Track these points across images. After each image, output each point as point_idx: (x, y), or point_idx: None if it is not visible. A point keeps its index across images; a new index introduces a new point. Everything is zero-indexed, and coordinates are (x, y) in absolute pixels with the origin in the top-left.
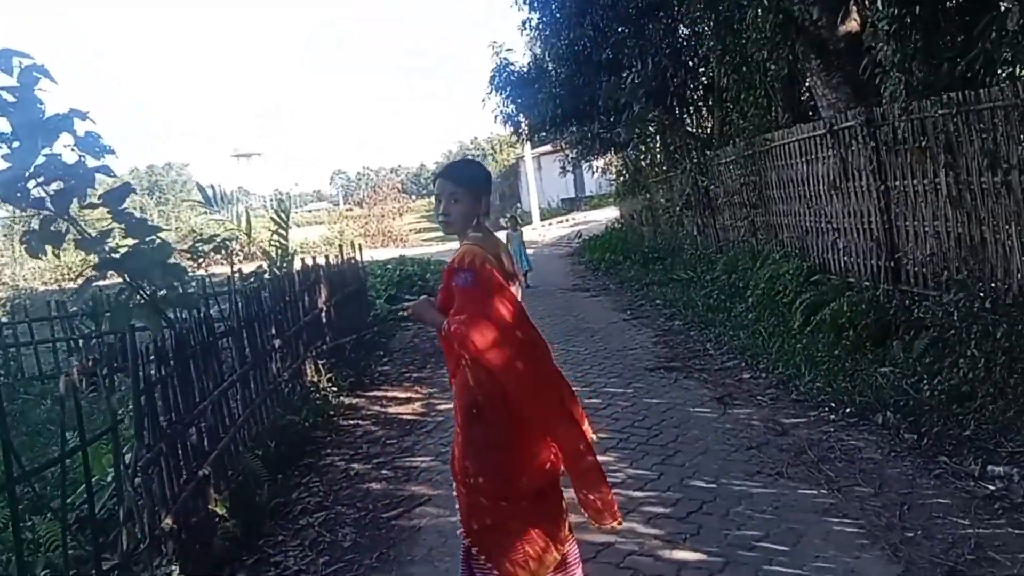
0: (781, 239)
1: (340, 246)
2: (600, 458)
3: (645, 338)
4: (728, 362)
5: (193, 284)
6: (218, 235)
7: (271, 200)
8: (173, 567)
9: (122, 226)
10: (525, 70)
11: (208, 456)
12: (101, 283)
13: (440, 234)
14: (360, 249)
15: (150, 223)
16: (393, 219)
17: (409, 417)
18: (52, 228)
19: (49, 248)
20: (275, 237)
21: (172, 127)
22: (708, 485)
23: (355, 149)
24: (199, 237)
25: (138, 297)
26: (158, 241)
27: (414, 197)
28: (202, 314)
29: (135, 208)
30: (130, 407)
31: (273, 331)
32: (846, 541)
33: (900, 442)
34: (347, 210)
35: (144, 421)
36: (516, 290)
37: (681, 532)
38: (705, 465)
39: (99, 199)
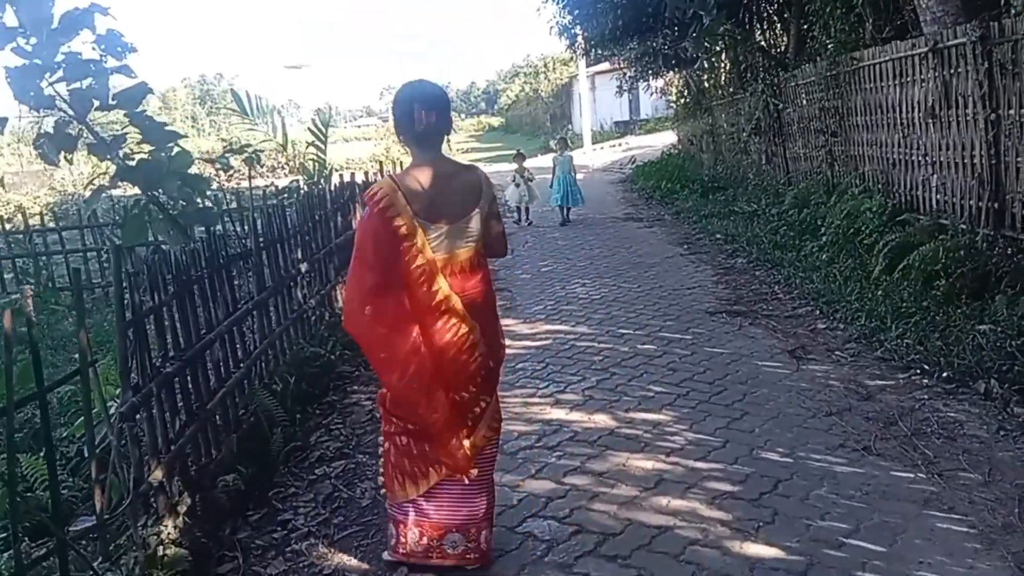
0: (862, 172)
1: (381, 163)
2: (655, 416)
3: (704, 276)
4: (799, 309)
5: (216, 197)
6: (249, 145)
7: (318, 111)
8: (163, 525)
9: (138, 131)
10: None
11: (214, 395)
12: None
13: (488, 155)
14: (403, 167)
15: (170, 128)
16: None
17: None
18: (67, 132)
19: (63, 154)
20: (312, 151)
21: (224, 37)
22: (783, 459)
23: (405, 63)
24: (229, 147)
25: (154, 209)
26: (177, 149)
27: (463, 116)
28: (216, 232)
29: (187, 116)
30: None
31: (299, 253)
32: (955, 544)
33: (1009, 417)
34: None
35: (129, 359)
36: (432, 236)
37: (753, 518)
38: (778, 433)
39: (113, 99)
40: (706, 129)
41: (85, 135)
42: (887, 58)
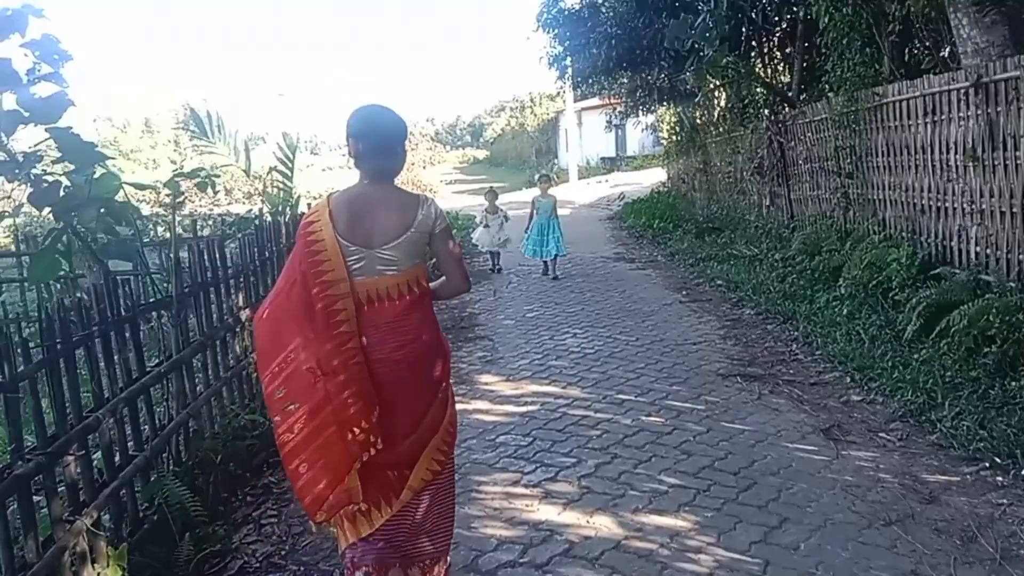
0: (882, 218)
1: None
2: (672, 521)
3: (710, 329)
4: (826, 374)
5: (143, 227)
6: (201, 169)
7: (305, 141)
8: None
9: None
10: (576, 7)
11: (99, 491)
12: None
13: (473, 187)
14: None
15: (98, 148)
16: (424, 168)
17: None
18: None
19: None
20: (277, 178)
21: (228, 66)
22: None
23: (394, 98)
24: (179, 171)
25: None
26: (100, 172)
27: (448, 148)
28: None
29: (170, 140)
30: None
31: (240, 298)
32: None
33: None
34: None
35: None
36: (352, 258)
37: None
38: (830, 552)
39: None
40: (699, 167)
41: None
42: (917, 93)
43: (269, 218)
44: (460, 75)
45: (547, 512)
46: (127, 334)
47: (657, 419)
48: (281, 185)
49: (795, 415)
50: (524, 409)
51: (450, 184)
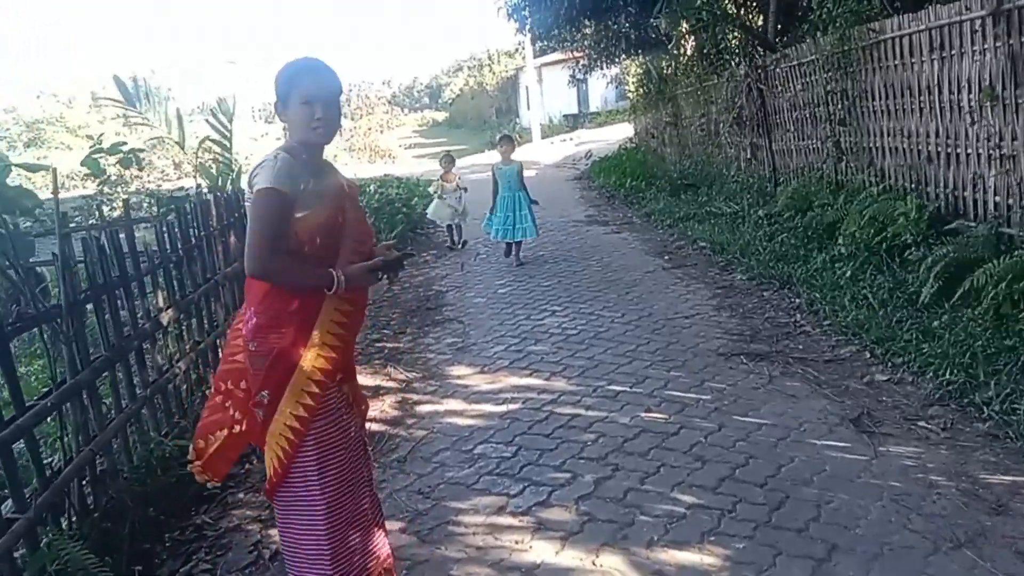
0: (880, 168)
1: None
2: (697, 557)
3: (700, 299)
4: (841, 348)
5: (41, 216)
6: (124, 143)
7: (258, 110)
8: None
9: None
10: None
11: None
12: None
13: (433, 151)
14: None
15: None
16: (381, 132)
17: (374, 427)
18: None
19: None
20: (214, 149)
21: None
22: None
23: (344, 57)
24: (97, 146)
25: None
26: None
27: (406, 111)
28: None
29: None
30: None
31: (160, 298)
32: None
33: None
34: None
35: None
36: None
37: None
38: None
39: None
40: (669, 120)
41: None
42: (922, 27)
43: (207, 195)
44: (416, 36)
45: (542, 551)
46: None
47: (659, 415)
48: (219, 157)
49: (815, 401)
50: (504, 409)
51: (410, 148)
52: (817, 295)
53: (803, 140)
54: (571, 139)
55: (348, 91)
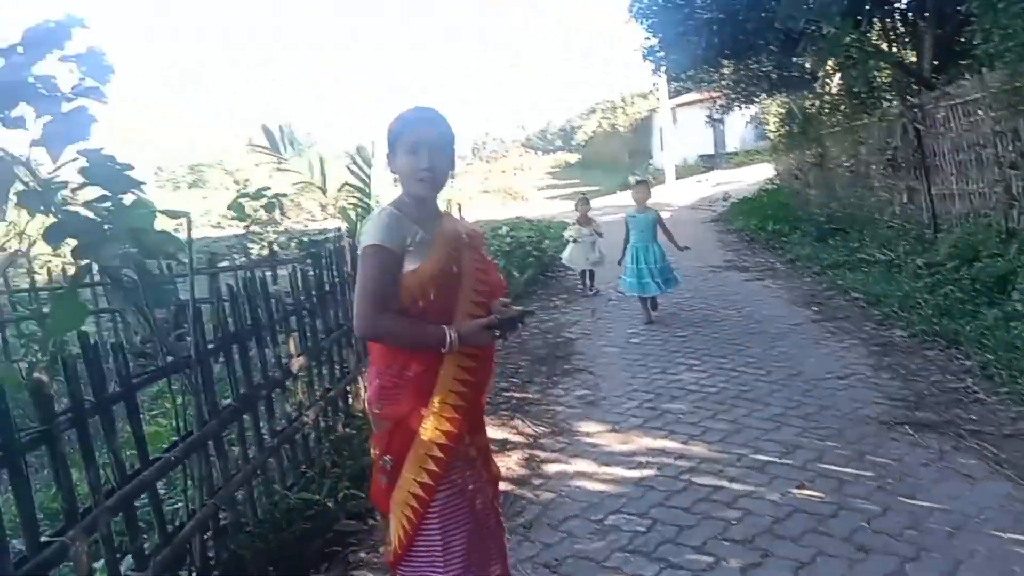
0: None
1: (459, 204)
2: None
3: (856, 357)
4: (1022, 421)
5: (177, 264)
6: (268, 188)
7: (359, 151)
8: None
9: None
10: None
11: None
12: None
13: (566, 192)
14: (460, 208)
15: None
16: (515, 174)
17: (502, 485)
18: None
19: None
20: (354, 194)
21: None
22: None
23: (480, 105)
24: (243, 191)
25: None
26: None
27: (539, 153)
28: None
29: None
30: None
31: (292, 345)
32: None
33: None
34: (467, 165)
35: None
36: None
37: None
38: None
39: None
40: (814, 161)
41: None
42: None
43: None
44: (549, 80)
45: None
46: (130, 408)
47: (813, 493)
48: (359, 201)
49: (996, 484)
50: (638, 474)
51: (542, 190)
52: (991, 357)
53: (967, 184)
54: (707, 180)
55: (484, 135)
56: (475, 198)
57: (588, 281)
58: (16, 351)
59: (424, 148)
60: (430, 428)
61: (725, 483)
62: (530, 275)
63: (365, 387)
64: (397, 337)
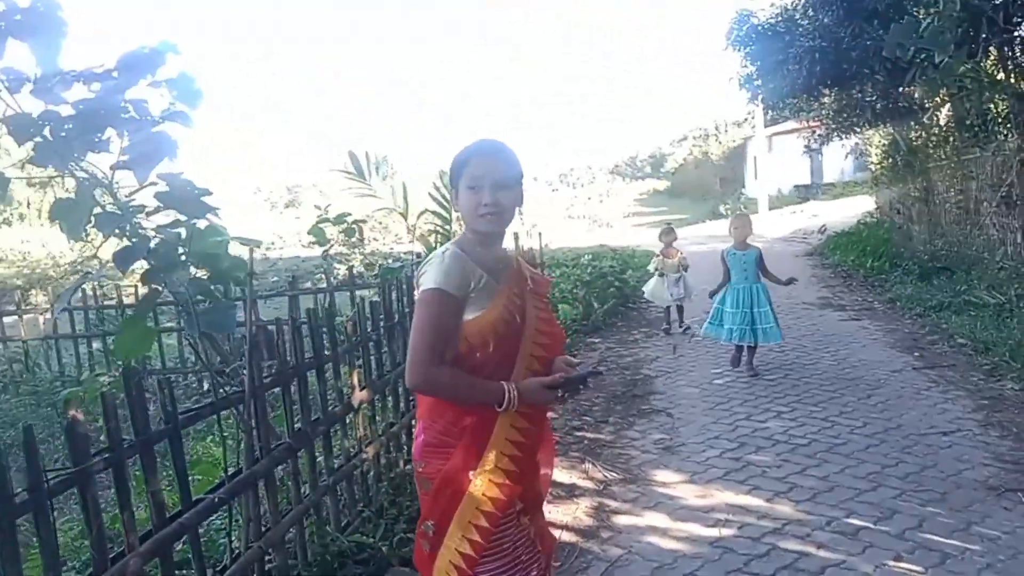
0: None
1: (516, 234)
2: None
3: (961, 410)
4: None
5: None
6: (348, 214)
7: (441, 176)
8: None
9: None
10: (772, 22)
11: None
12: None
13: (653, 220)
14: (540, 237)
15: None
16: (601, 202)
17: (566, 536)
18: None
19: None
20: (434, 220)
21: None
22: None
23: (571, 139)
24: (323, 216)
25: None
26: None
27: (628, 180)
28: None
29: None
30: None
31: (355, 379)
32: None
33: None
34: (553, 191)
35: None
36: None
37: None
38: None
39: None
40: (918, 195)
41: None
42: None
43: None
44: (549, 75)
45: None
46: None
47: (913, 567)
48: (439, 228)
49: None
50: (716, 533)
51: (628, 217)
52: None
53: None
54: (801, 211)
55: (572, 163)
56: (559, 225)
57: (678, 316)
58: (102, 365)
59: (487, 182)
60: (480, 487)
61: (812, 549)
62: (610, 306)
63: None
64: (453, 390)
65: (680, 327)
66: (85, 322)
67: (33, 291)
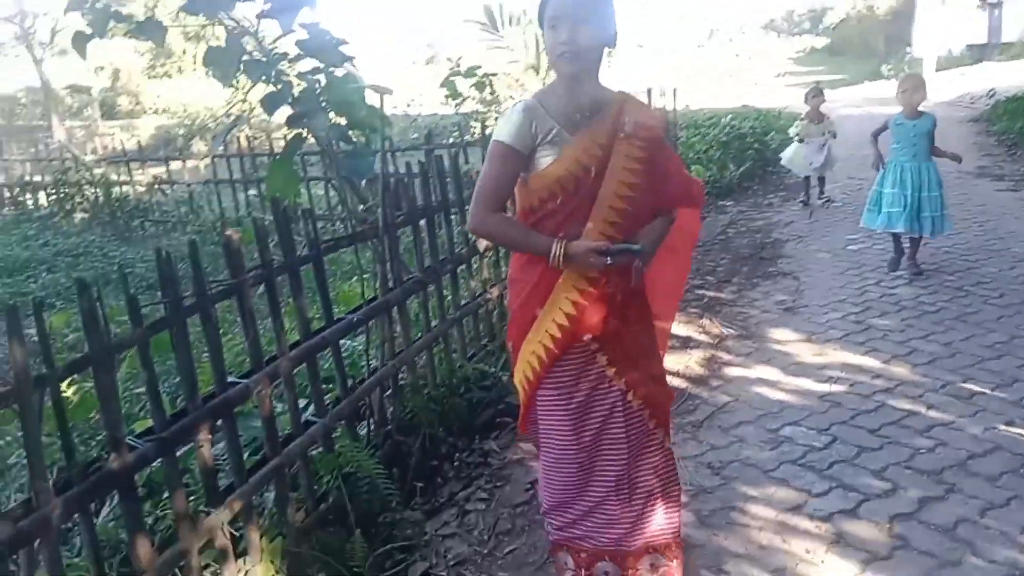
0: None
1: (649, 90)
2: None
3: None
4: None
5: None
6: (479, 67)
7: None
8: None
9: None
10: None
11: (253, 472)
12: None
13: (807, 79)
14: (675, 95)
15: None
16: (750, 59)
17: (676, 381)
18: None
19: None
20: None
21: None
22: None
23: None
24: (455, 69)
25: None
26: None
27: (783, 35)
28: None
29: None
30: None
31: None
32: None
33: None
34: (698, 47)
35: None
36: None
37: None
38: None
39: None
40: None
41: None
42: None
43: None
44: None
45: (836, 569)
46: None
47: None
48: None
49: None
50: (826, 388)
51: (780, 76)
52: None
53: None
54: (972, 73)
55: (721, 18)
56: (702, 84)
57: (816, 189)
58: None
59: (564, 21)
60: (542, 326)
61: (922, 409)
62: (747, 168)
63: None
64: (504, 240)
65: (819, 199)
66: (241, 169)
67: (194, 139)
